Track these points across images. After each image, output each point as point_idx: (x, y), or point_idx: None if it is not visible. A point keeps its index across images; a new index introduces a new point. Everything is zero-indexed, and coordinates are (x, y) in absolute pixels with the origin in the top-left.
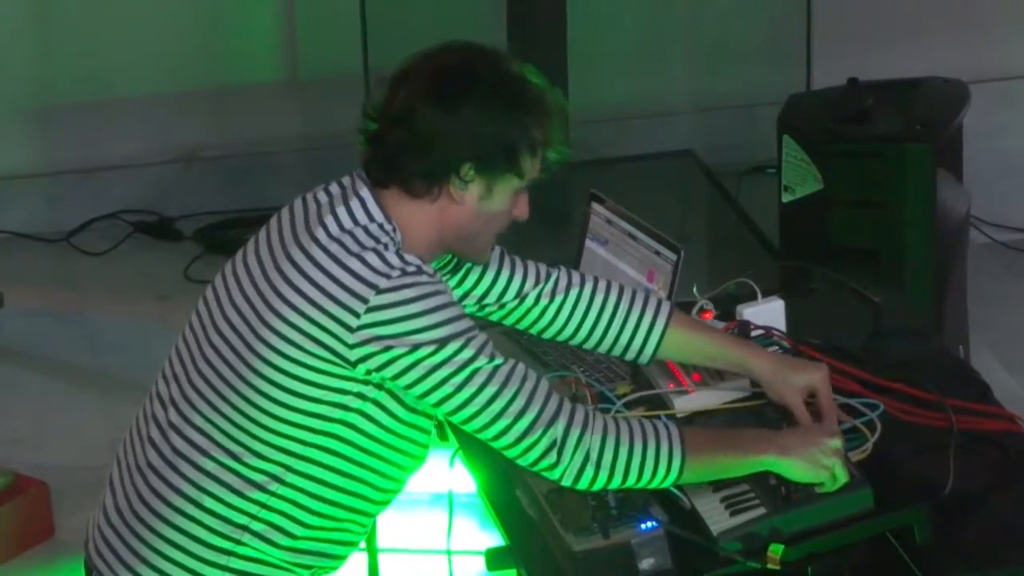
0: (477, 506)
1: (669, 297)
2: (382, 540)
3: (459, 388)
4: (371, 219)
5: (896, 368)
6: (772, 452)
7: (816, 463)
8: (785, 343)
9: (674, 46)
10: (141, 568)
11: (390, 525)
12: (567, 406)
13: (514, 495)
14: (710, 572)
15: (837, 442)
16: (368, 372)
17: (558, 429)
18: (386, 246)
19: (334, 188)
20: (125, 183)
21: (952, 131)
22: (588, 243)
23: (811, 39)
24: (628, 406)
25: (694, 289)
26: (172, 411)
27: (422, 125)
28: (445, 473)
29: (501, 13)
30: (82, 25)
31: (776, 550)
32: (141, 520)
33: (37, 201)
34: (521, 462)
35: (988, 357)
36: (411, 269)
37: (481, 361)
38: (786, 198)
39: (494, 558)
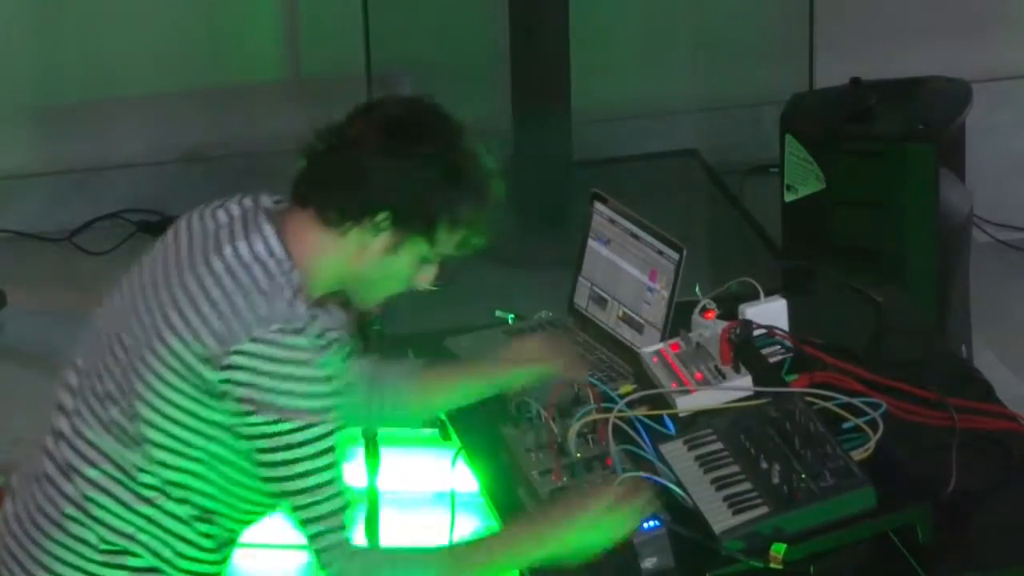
0: (479, 506)
1: (671, 296)
2: (384, 539)
3: (275, 461)
4: (271, 254)
5: (898, 367)
6: (559, 537)
7: (608, 519)
8: (787, 342)
9: (677, 46)
10: (41, 574)
11: (392, 525)
12: (345, 535)
13: (516, 495)
14: (712, 571)
15: (601, 499)
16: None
17: (333, 549)
18: (280, 289)
19: (234, 209)
20: (128, 182)
21: (955, 130)
22: (591, 242)
23: (814, 39)
24: (631, 405)
25: (696, 288)
26: (67, 423)
27: (362, 159)
28: (447, 473)
29: (503, 13)
30: (84, 25)
31: (779, 549)
32: (38, 527)
33: (39, 200)
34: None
35: (990, 356)
36: (294, 326)
37: (307, 449)
38: (789, 197)
39: None
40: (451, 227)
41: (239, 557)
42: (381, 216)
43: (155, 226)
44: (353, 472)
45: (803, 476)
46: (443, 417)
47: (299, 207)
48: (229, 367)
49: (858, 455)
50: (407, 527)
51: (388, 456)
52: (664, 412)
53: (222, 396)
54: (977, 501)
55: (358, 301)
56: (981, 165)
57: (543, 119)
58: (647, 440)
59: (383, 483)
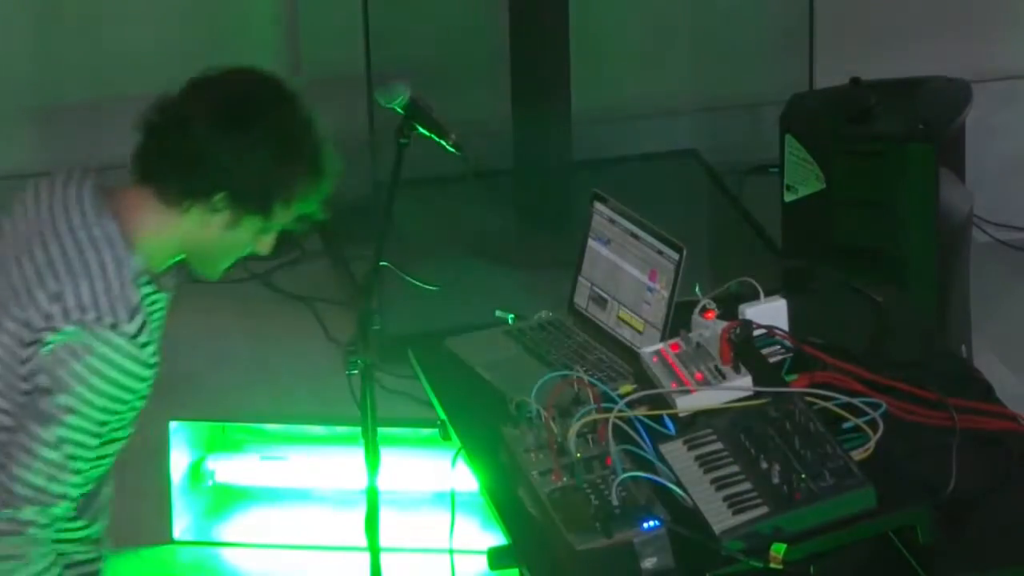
0: (479, 505)
1: (671, 296)
2: (384, 539)
3: (40, 438)
4: (109, 243)
5: (898, 367)
6: None
7: None
8: (787, 343)
9: (677, 46)
10: None
11: (392, 524)
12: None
13: (516, 494)
14: (712, 571)
15: None
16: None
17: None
18: (111, 279)
19: (75, 190)
20: (128, 183)
21: (955, 130)
22: (591, 242)
23: (814, 39)
24: (631, 405)
25: (696, 288)
26: None
27: (198, 140)
28: (447, 472)
29: (503, 13)
30: (84, 25)
31: (779, 549)
32: None
33: None
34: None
35: (990, 356)
36: (113, 321)
37: (65, 447)
38: (789, 197)
39: (496, 557)
40: (287, 202)
41: (241, 557)
42: (218, 196)
43: None
44: (353, 472)
45: (803, 476)
46: (443, 417)
47: (138, 184)
48: (38, 342)
49: (858, 455)
50: (407, 527)
51: (388, 456)
52: (664, 412)
53: (26, 362)
54: (977, 501)
55: (200, 271)
56: (981, 165)
57: (543, 119)
58: (647, 440)
59: (383, 483)
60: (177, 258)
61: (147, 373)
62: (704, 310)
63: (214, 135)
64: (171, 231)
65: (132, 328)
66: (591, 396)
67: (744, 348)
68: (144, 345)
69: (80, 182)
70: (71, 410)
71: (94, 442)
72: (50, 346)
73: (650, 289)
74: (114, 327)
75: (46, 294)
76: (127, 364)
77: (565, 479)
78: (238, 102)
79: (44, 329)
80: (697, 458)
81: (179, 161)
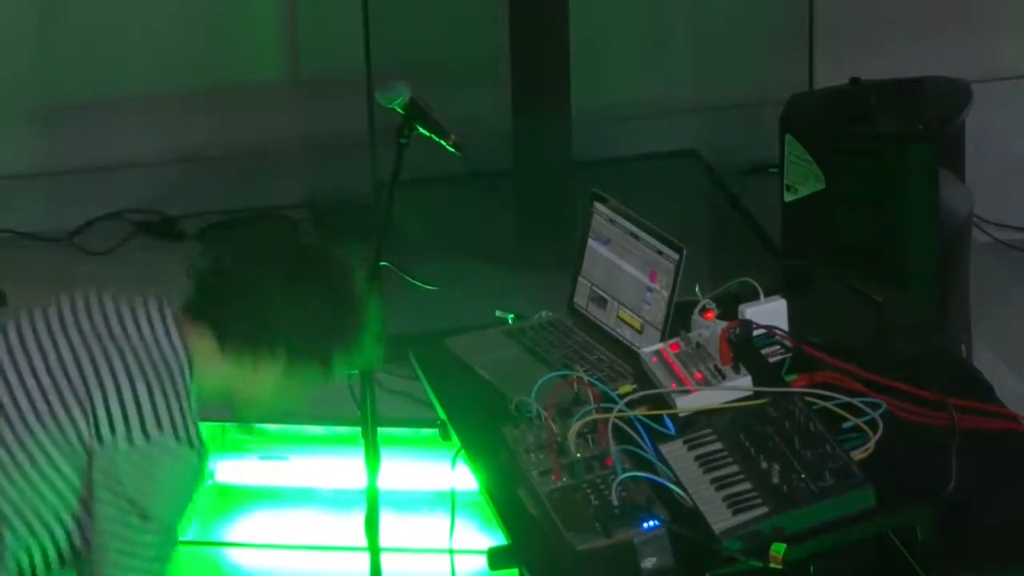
0: (479, 505)
1: (671, 296)
2: (384, 539)
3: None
4: (175, 355)
5: (898, 367)
6: None
7: None
8: (787, 343)
9: (677, 46)
10: None
11: (392, 524)
12: None
13: (516, 495)
14: (712, 571)
15: None
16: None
17: None
18: (178, 394)
19: (141, 310)
20: (128, 182)
21: (954, 131)
22: (591, 242)
23: (813, 39)
24: (631, 405)
25: (696, 288)
26: None
27: (262, 302)
28: (447, 473)
29: (503, 12)
30: (85, 25)
31: (778, 549)
32: None
33: (40, 200)
34: None
35: (990, 356)
36: (186, 437)
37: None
38: (788, 197)
39: (496, 557)
40: (345, 355)
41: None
42: (279, 349)
43: (155, 226)
44: (353, 472)
45: (803, 476)
46: (443, 417)
47: (196, 320)
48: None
49: (858, 455)
50: (407, 527)
51: (388, 456)
52: (664, 412)
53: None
54: (977, 501)
55: (239, 414)
56: (981, 165)
57: (543, 119)
58: (647, 440)
59: (383, 483)
60: (221, 399)
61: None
62: (704, 310)
63: (277, 295)
64: (223, 371)
65: (199, 444)
66: (591, 396)
67: (744, 348)
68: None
69: (136, 299)
70: (147, 517)
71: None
72: (119, 455)
73: (650, 289)
74: (189, 443)
75: (116, 400)
76: (193, 477)
77: (565, 479)
78: (299, 264)
79: (105, 437)
80: (697, 458)
81: (245, 321)
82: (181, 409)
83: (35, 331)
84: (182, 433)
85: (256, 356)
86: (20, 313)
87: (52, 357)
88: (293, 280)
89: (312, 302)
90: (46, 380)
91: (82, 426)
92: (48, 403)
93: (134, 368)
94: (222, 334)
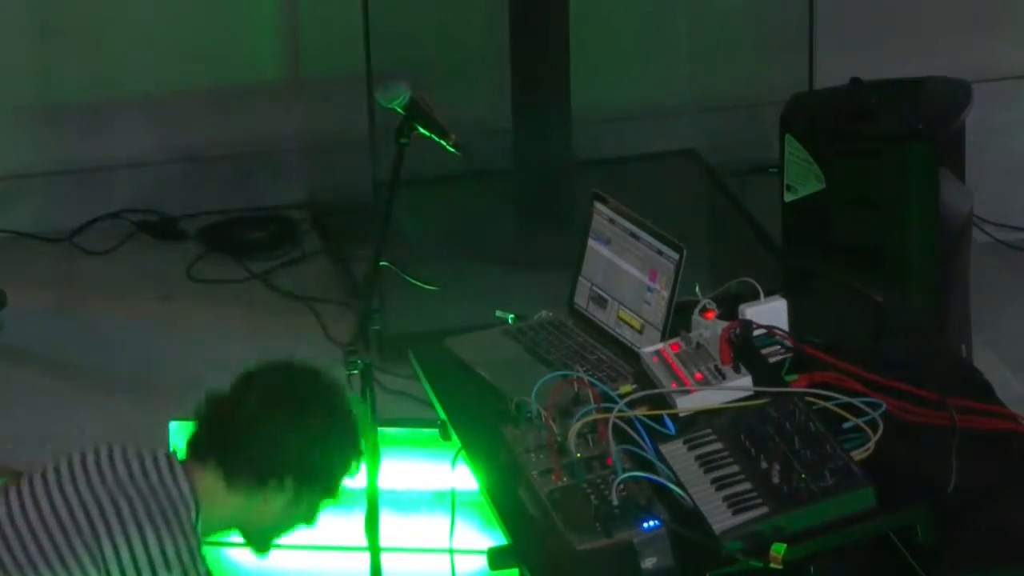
0: (479, 505)
1: (672, 296)
2: (385, 539)
3: None
4: (182, 497)
5: (898, 367)
6: None
7: None
8: (787, 343)
9: (676, 46)
10: None
11: (392, 524)
12: None
13: (516, 494)
14: (712, 571)
15: None
16: None
17: None
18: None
19: (148, 459)
20: (128, 182)
21: (954, 130)
22: (591, 242)
23: (813, 38)
24: (631, 405)
25: (696, 288)
26: None
27: (265, 434)
28: (447, 473)
29: (503, 12)
30: (85, 25)
31: (778, 549)
32: None
33: (40, 200)
34: None
35: (990, 356)
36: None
37: None
38: (788, 197)
39: (496, 557)
40: (348, 477)
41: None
42: (287, 480)
43: (155, 226)
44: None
45: (803, 476)
46: (443, 417)
47: (200, 463)
48: None
49: (858, 455)
50: (407, 527)
51: (388, 456)
52: (664, 412)
53: None
54: (977, 501)
55: (251, 544)
56: (981, 165)
57: (543, 119)
58: (647, 440)
59: (383, 483)
60: (229, 531)
61: None
62: (704, 310)
63: (280, 429)
64: (232, 507)
65: None
66: (591, 396)
67: (744, 348)
68: None
69: (145, 447)
70: None
71: None
72: None
73: (650, 289)
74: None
75: (125, 545)
76: None
77: (565, 479)
78: (297, 394)
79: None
80: (697, 458)
81: (250, 455)
82: (189, 549)
83: (46, 482)
84: (192, 573)
85: (264, 489)
86: (35, 471)
87: (61, 505)
88: (294, 414)
89: (315, 433)
90: (55, 527)
91: (91, 572)
92: (57, 550)
93: (141, 513)
94: (228, 471)
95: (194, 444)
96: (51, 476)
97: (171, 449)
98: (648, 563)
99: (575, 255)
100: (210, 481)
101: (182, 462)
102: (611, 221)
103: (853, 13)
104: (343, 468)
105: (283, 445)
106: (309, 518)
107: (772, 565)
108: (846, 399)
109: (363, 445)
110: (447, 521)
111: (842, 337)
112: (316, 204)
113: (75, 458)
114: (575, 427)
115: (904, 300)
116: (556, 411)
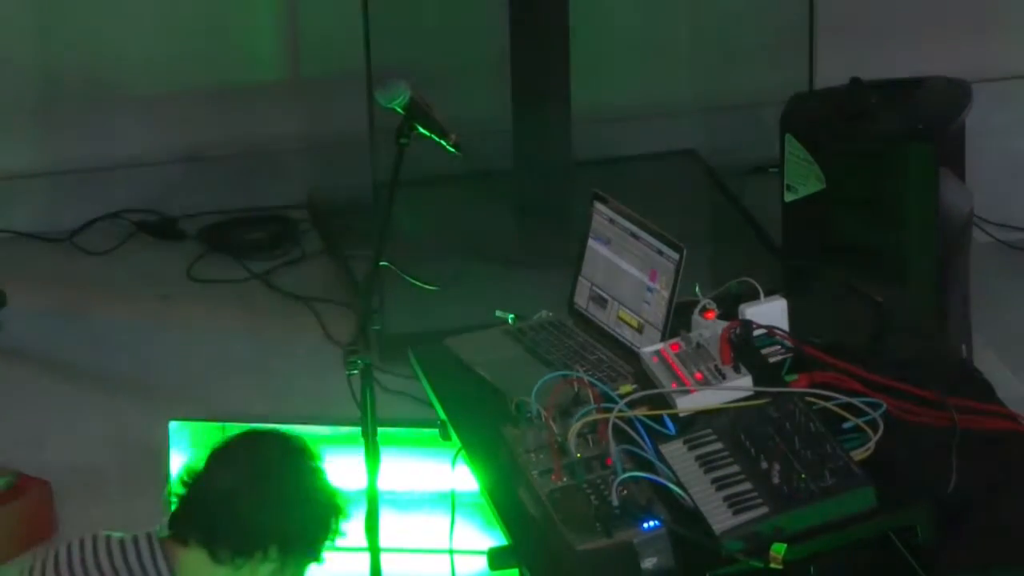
0: (479, 506)
1: (672, 296)
2: (384, 539)
3: None
4: None
5: (899, 367)
6: None
7: None
8: (787, 343)
9: (677, 46)
10: None
11: (392, 524)
12: None
13: (516, 495)
14: (712, 571)
15: None
16: None
17: None
18: None
19: (132, 550)
20: (128, 182)
21: (955, 130)
22: (591, 242)
23: (814, 38)
24: (631, 405)
25: (696, 288)
26: None
27: (243, 506)
28: (447, 473)
29: (503, 13)
30: (85, 25)
31: (779, 549)
32: None
33: (40, 200)
34: None
35: (991, 356)
36: None
37: None
38: (789, 197)
39: (496, 557)
40: (331, 543)
41: None
42: (271, 549)
43: (155, 226)
44: (353, 472)
45: (803, 476)
46: (443, 417)
47: (182, 544)
48: None
49: (858, 455)
50: (407, 527)
51: (388, 456)
52: (664, 412)
53: None
54: (977, 501)
55: None
56: (981, 165)
57: (543, 119)
58: (647, 440)
59: (383, 483)
60: None
61: None
62: (704, 310)
63: (258, 500)
64: None
65: None
66: (591, 396)
67: (744, 348)
68: None
69: (126, 538)
70: None
71: None
72: None
73: (650, 289)
74: None
75: None
76: None
77: (565, 479)
78: (269, 464)
79: None
80: (697, 458)
81: (230, 529)
82: None
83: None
84: None
85: (250, 561)
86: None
87: None
88: (270, 484)
89: (292, 499)
90: None
91: None
92: None
93: None
94: (211, 547)
95: (175, 524)
96: (38, 564)
97: (156, 530)
98: (648, 563)
99: (575, 255)
100: (192, 558)
101: (165, 539)
102: (611, 221)
103: (853, 13)
104: (324, 530)
105: (262, 516)
106: None
107: (772, 565)
108: (846, 399)
109: (341, 502)
110: (447, 521)
111: (842, 337)
112: (316, 204)
113: (62, 549)
114: (575, 427)
115: (904, 300)
116: (556, 411)
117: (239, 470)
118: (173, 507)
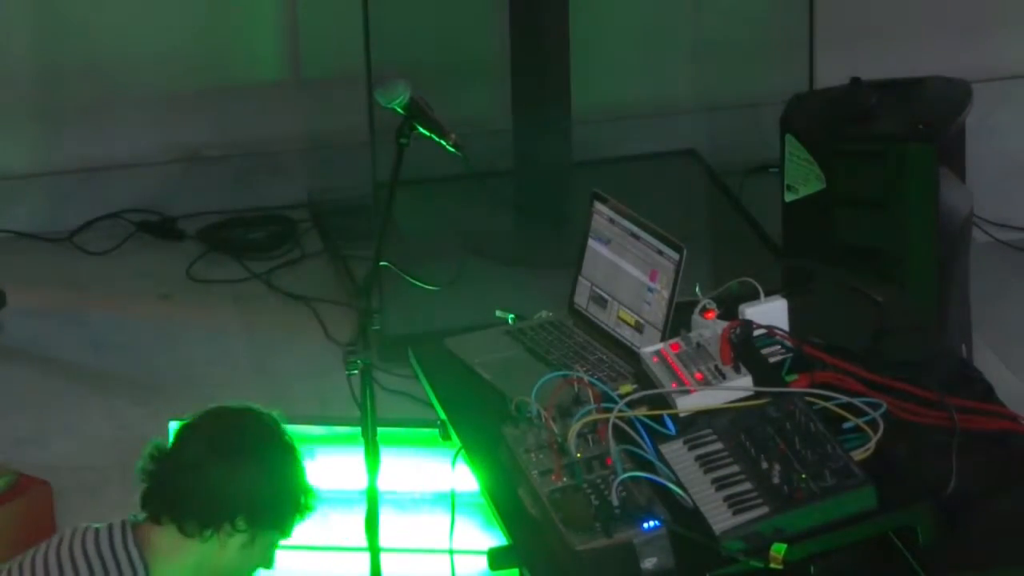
0: (479, 506)
1: (672, 296)
2: (384, 539)
3: None
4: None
5: (899, 367)
6: None
7: None
8: (787, 343)
9: (677, 46)
10: None
11: (392, 524)
12: None
13: (516, 495)
14: (712, 571)
15: None
16: None
17: None
18: None
19: (105, 538)
20: (128, 182)
21: (955, 130)
22: (591, 242)
23: (814, 38)
24: (631, 405)
25: (696, 288)
26: None
27: (211, 479)
28: (447, 473)
29: (503, 13)
30: (84, 25)
31: (779, 549)
32: None
33: (40, 200)
34: None
35: (990, 356)
36: None
37: None
38: (789, 197)
39: (496, 557)
40: (298, 514)
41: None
42: (238, 520)
43: (155, 226)
44: (353, 472)
45: (803, 476)
46: (443, 417)
47: (155, 523)
48: None
49: (858, 455)
50: (407, 527)
51: (388, 456)
52: (664, 412)
53: None
54: (977, 501)
55: None
56: (981, 165)
57: (543, 119)
58: (647, 440)
59: (383, 483)
60: None
61: None
62: (704, 310)
63: (224, 470)
64: (188, 557)
65: None
66: (591, 396)
67: (744, 348)
68: None
69: (101, 527)
70: None
71: None
72: None
73: (650, 289)
74: None
75: None
76: None
77: (565, 479)
78: (237, 436)
79: None
80: (697, 458)
81: (197, 500)
82: None
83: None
84: None
85: (218, 533)
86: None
87: None
88: (239, 455)
89: (260, 470)
90: None
91: None
92: None
93: None
94: (181, 521)
95: (146, 503)
96: (21, 557)
97: (131, 516)
98: (648, 563)
99: (575, 255)
100: (165, 537)
101: (139, 523)
102: (611, 221)
103: (853, 13)
104: (293, 502)
105: (231, 486)
106: (266, 559)
107: (772, 565)
108: (846, 399)
109: (309, 481)
110: (447, 521)
111: (842, 337)
112: (316, 204)
113: (41, 548)
114: (575, 427)
115: (904, 300)
116: (556, 411)
117: (207, 443)
118: (144, 486)
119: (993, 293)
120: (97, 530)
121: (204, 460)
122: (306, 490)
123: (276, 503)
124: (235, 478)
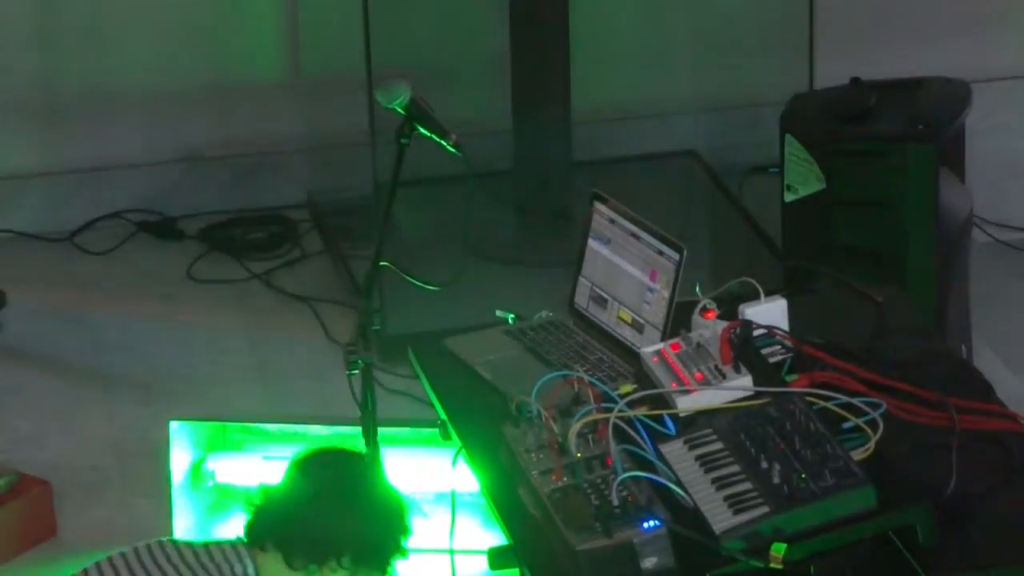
0: (480, 505)
1: (672, 296)
2: None
3: None
4: None
5: (899, 367)
6: None
7: None
8: (787, 343)
9: (677, 46)
10: None
11: None
12: None
13: (517, 494)
14: (713, 571)
15: None
16: None
17: None
18: None
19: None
20: (128, 182)
21: (955, 130)
22: (591, 242)
23: (814, 38)
24: (631, 405)
25: (697, 288)
26: None
27: (326, 515)
28: (447, 472)
29: (503, 13)
30: (86, 24)
31: (779, 549)
32: None
33: (40, 200)
34: None
35: (990, 356)
36: None
37: None
38: (789, 197)
39: (497, 557)
40: (401, 555)
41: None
42: (344, 559)
43: (156, 226)
44: None
45: (803, 476)
46: (443, 417)
47: (260, 548)
48: None
49: (858, 455)
50: None
51: (388, 456)
52: (664, 412)
53: None
54: (977, 501)
55: None
56: (981, 165)
57: (543, 119)
58: (647, 440)
59: None
60: None
61: None
62: (704, 310)
63: (336, 510)
64: None
65: None
66: (591, 396)
67: (744, 348)
68: None
69: (197, 542)
70: None
71: None
72: None
73: (650, 289)
74: None
75: None
76: None
77: (565, 479)
78: (350, 477)
79: None
80: (697, 458)
81: (309, 536)
82: None
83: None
84: None
85: (323, 568)
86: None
87: None
88: (349, 498)
89: (368, 514)
90: None
91: None
92: None
93: None
94: (288, 553)
95: (251, 530)
96: (120, 562)
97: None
98: (648, 563)
99: (575, 255)
100: (270, 563)
101: (243, 545)
102: (611, 221)
103: (853, 13)
104: (395, 545)
105: (340, 526)
106: None
107: (772, 565)
108: (846, 399)
109: (410, 521)
110: (447, 521)
111: (842, 337)
112: (316, 204)
113: (131, 555)
114: (575, 427)
115: (904, 300)
116: (556, 411)
117: (320, 483)
118: (249, 517)
119: (993, 293)
120: (204, 543)
121: (319, 500)
122: (407, 532)
123: (381, 544)
124: (346, 520)
